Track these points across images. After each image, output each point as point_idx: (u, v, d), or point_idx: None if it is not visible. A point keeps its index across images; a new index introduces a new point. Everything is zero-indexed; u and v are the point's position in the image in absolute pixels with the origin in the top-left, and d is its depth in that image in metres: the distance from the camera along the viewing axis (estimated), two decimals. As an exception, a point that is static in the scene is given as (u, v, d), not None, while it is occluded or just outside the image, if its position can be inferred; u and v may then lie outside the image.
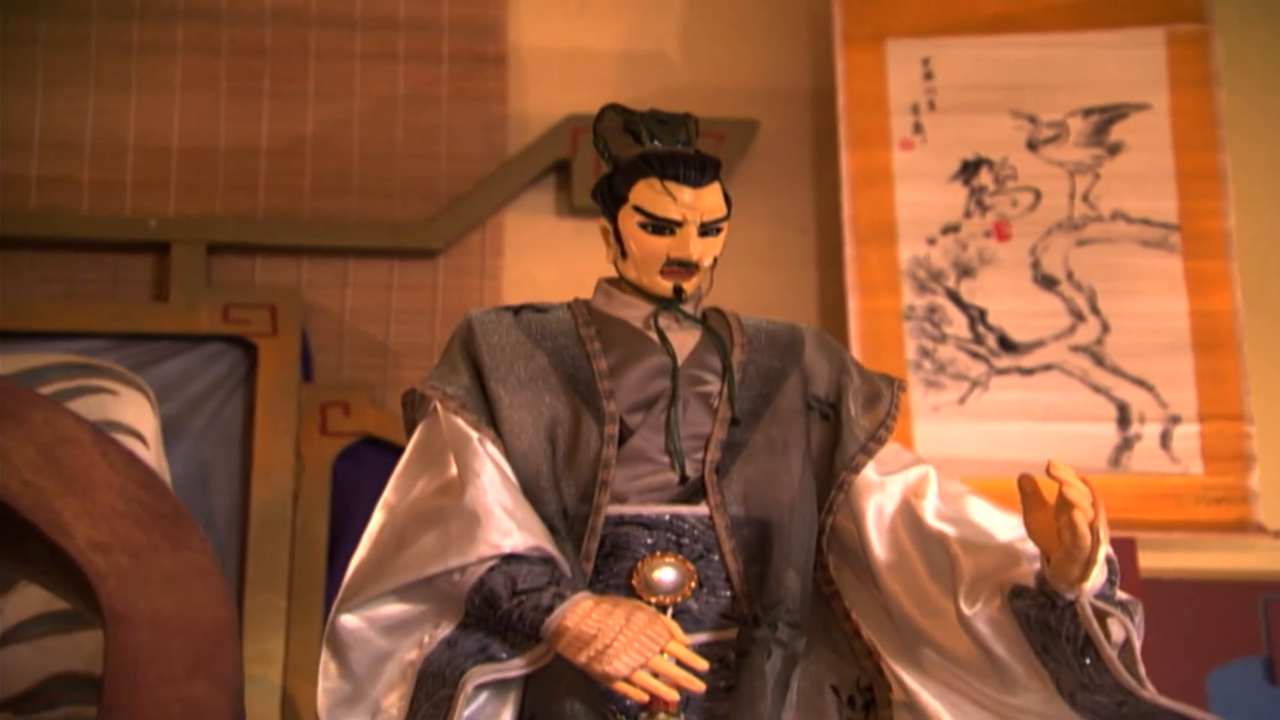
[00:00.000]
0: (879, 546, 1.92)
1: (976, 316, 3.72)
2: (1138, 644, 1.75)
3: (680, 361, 1.98)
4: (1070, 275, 3.75)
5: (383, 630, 1.86)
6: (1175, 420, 3.64)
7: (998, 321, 3.71)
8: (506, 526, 1.81)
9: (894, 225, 3.76)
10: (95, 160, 3.82)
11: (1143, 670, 1.74)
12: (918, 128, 3.83)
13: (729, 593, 1.90)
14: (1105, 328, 3.71)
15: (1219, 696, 3.57)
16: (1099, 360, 3.69)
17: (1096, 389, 3.67)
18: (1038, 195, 3.79)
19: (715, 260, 2.03)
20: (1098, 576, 1.72)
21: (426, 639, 1.84)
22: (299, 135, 3.90)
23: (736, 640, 1.87)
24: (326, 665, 1.87)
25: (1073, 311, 3.73)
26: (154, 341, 3.64)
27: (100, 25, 3.89)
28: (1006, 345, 3.70)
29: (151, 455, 2.93)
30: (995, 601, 1.79)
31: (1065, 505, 1.70)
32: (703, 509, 1.92)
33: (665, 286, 1.99)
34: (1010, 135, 3.83)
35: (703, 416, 1.96)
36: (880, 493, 1.95)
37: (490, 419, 1.93)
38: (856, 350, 3.66)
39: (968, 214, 3.78)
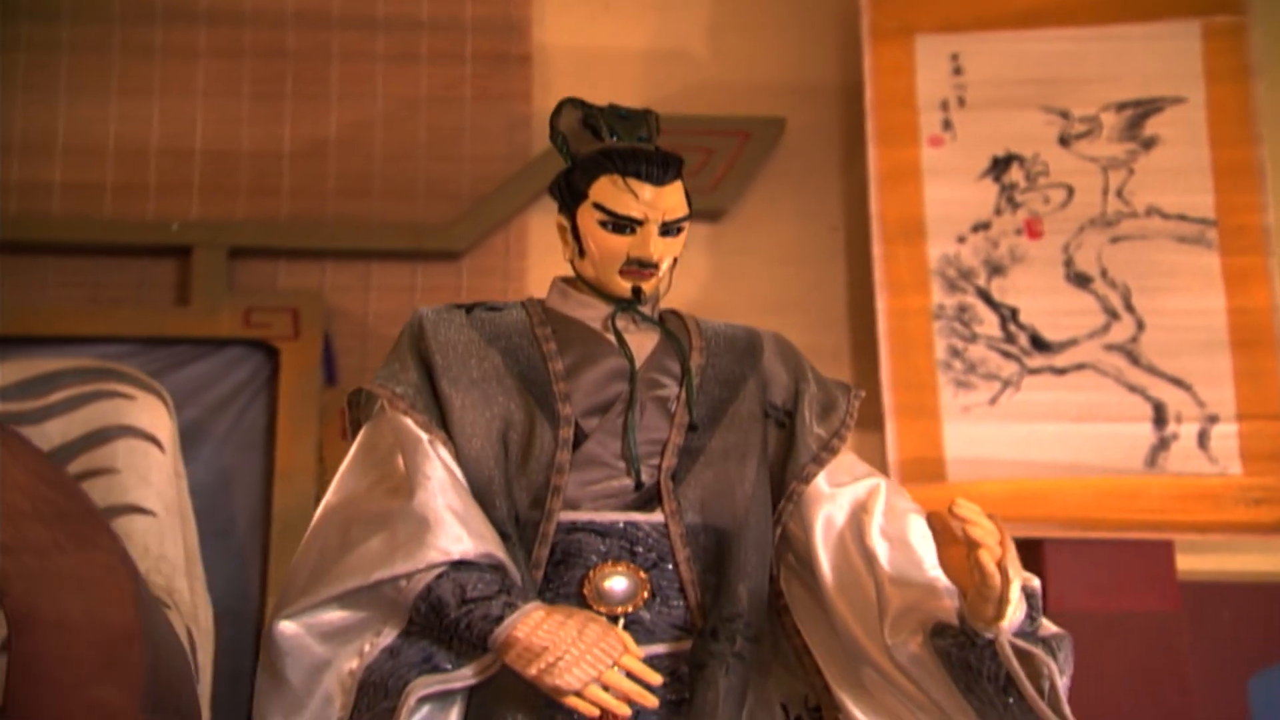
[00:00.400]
0: (826, 560, 1.87)
1: (1008, 315, 3.66)
2: (1061, 682, 1.70)
3: (638, 364, 1.93)
4: (1104, 273, 3.68)
5: (321, 637, 1.79)
6: (1213, 419, 3.57)
7: (1029, 320, 3.65)
8: (457, 532, 1.76)
9: (923, 223, 3.70)
10: (118, 165, 3.82)
11: (1067, 709, 1.69)
12: (947, 124, 3.78)
13: (682, 603, 1.85)
14: (1140, 326, 3.64)
15: (1260, 703, 3.50)
16: (1134, 359, 3.62)
17: (1132, 388, 3.60)
18: (1070, 191, 3.73)
19: (675, 261, 1.99)
20: (1015, 613, 1.68)
21: (368, 647, 1.78)
22: (321, 138, 3.88)
23: (691, 653, 1.83)
24: (261, 674, 1.81)
25: (1107, 309, 3.66)
26: (176, 346, 3.63)
27: (123, 30, 3.89)
28: (1039, 344, 3.64)
29: (168, 460, 2.91)
30: (918, 638, 1.74)
31: (971, 544, 1.65)
32: (657, 516, 1.87)
33: (624, 287, 1.95)
34: (1042, 131, 3.76)
35: (660, 421, 1.92)
36: (830, 504, 1.90)
37: (441, 420, 1.88)
38: (884, 350, 3.61)
39: (998, 211, 3.72)
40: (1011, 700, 1.67)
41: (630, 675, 1.73)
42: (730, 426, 1.94)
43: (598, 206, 1.93)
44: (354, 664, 1.78)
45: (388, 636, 1.78)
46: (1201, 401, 3.58)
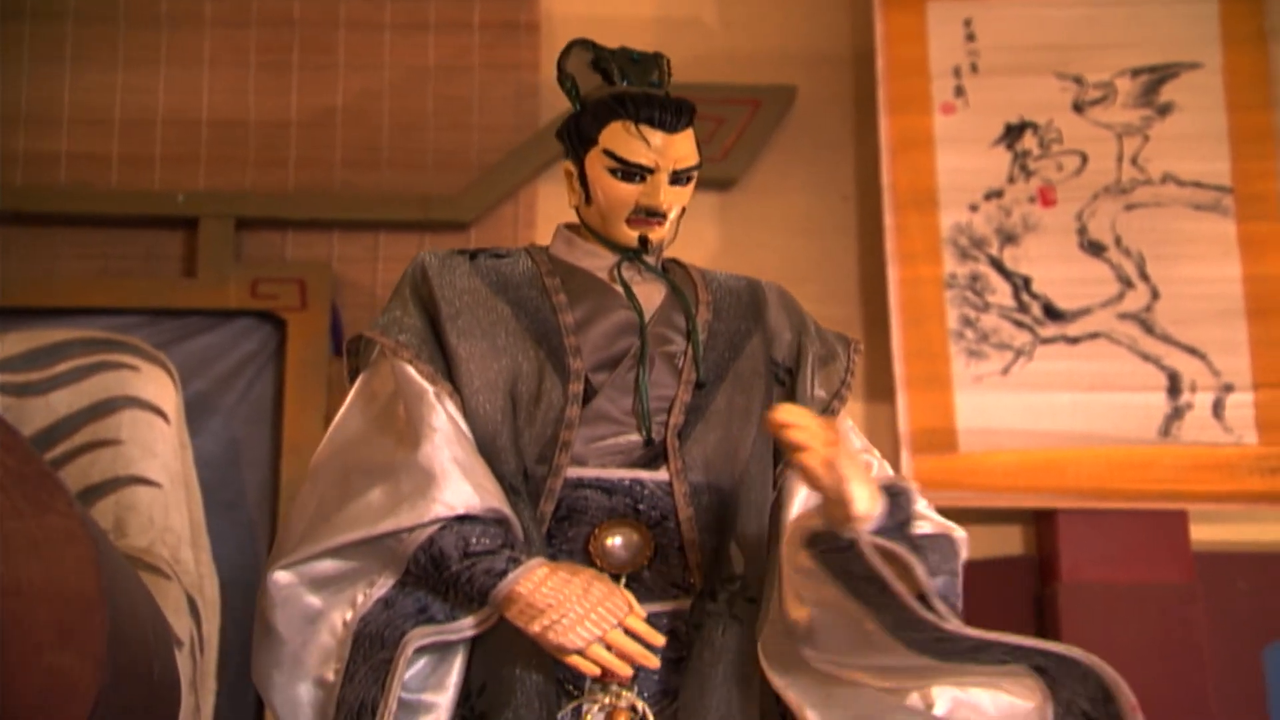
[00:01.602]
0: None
1: (1020, 284, 3.62)
2: (935, 582, 1.66)
3: (647, 317, 1.89)
4: (1118, 241, 3.64)
5: (314, 586, 1.76)
6: (1228, 389, 3.53)
7: (1042, 289, 3.62)
8: (461, 486, 1.72)
9: (935, 191, 3.67)
10: (124, 135, 3.80)
11: (940, 604, 1.65)
12: (959, 91, 3.74)
13: (681, 563, 1.83)
14: (1155, 294, 3.61)
15: (1275, 673, 3.49)
16: (1148, 328, 3.59)
17: (1146, 357, 3.57)
18: (1084, 159, 3.69)
19: (683, 210, 1.94)
20: (872, 510, 1.64)
21: (361, 598, 1.75)
22: (329, 107, 3.86)
23: (690, 613, 1.81)
24: (256, 626, 1.79)
25: (1121, 278, 3.62)
26: (183, 317, 3.62)
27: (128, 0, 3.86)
28: (1052, 313, 3.60)
29: (173, 431, 2.90)
30: (803, 551, 1.70)
31: (793, 448, 1.63)
32: (663, 474, 1.84)
33: (631, 236, 1.90)
34: (1055, 97, 3.72)
35: (668, 378, 1.88)
36: None
37: (446, 370, 1.84)
38: (896, 320, 3.58)
39: (1011, 179, 3.68)
40: (889, 599, 1.63)
41: (633, 635, 1.71)
42: (735, 385, 1.91)
43: (608, 153, 1.88)
44: (348, 614, 1.75)
45: (382, 587, 1.75)
46: (1216, 370, 3.55)
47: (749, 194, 3.89)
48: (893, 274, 3.62)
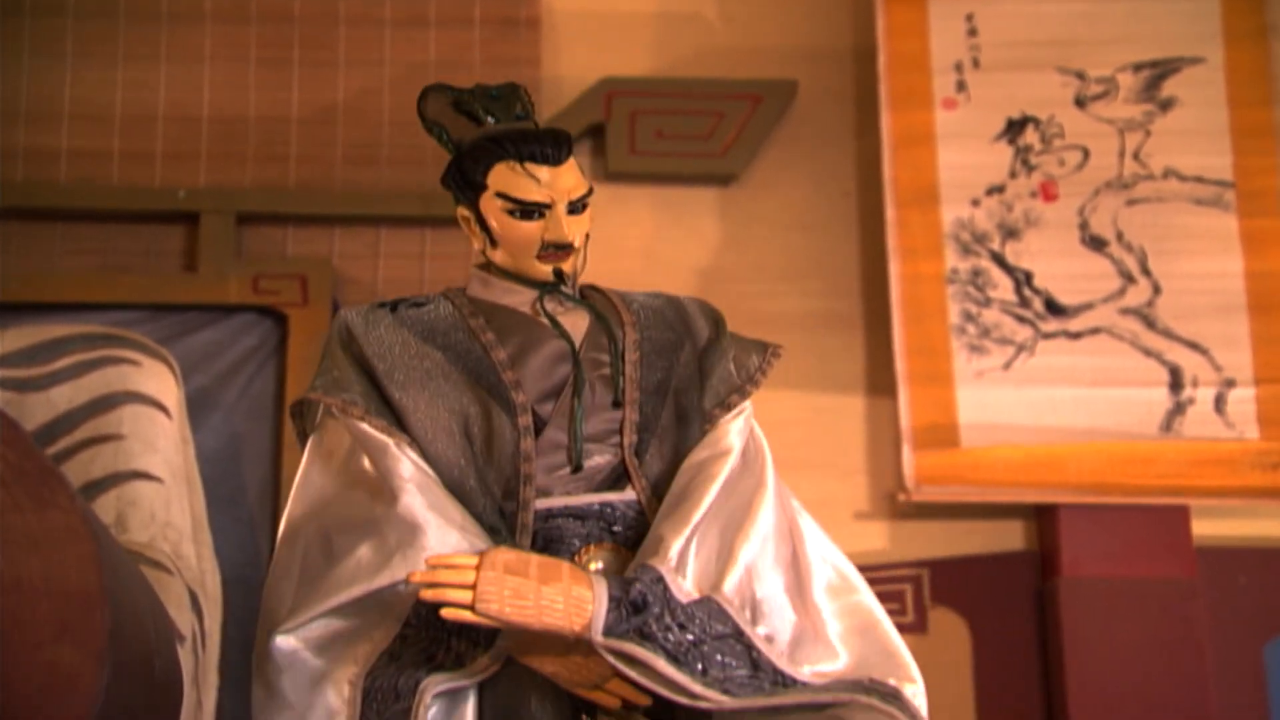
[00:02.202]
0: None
1: (1022, 279, 3.62)
2: (658, 660, 1.67)
3: (578, 345, 1.90)
4: (1120, 236, 3.64)
5: (317, 649, 1.79)
6: (1230, 384, 3.53)
7: (1044, 284, 3.61)
8: (445, 532, 1.76)
9: (936, 187, 3.67)
10: (125, 131, 3.79)
11: (686, 677, 1.67)
12: (961, 86, 3.73)
13: None
14: (1156, 289, 3.60)
15: (1276, 667, 3.50)
16: (1150, 323, 3.58)
17: (1148, 352, 3.57)
18: (1086, 154, 3.69)
19: (587, 237, 1.95)
20: (595, 616, 1.67)
21: (364, 654, 1.78)
22: (329, 104, 3.85)
23: None
24: (257, 690, 1.81)
25: (1123, 273, 3.62)
26: (185, 313, 3.62)
27: (129, -5, 3.86)
28: (1053, 308, 3.60)
29: (175, 426, 2.90)
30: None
31: (444, 606, 1.67)
32: (630, 494, 1.86)
33: (544, 271, 1.90)
34: (1057, 92, 3.72)
35: (610, 399, 1.89)
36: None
37: (398, 423, 1.85)
38: (897, 316, 3.58)
39: (1013, 174, 3.68)
40: (667, 690, 1.67)
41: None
42: (676, 394, 1.93)
43: (501, 195, 1.88)
44: (352, 671, 1.78)
45: (384, 641, 1.78)
46: (1218, 365, 3.54)
47: (750, 189, 3.89)
48: (894, 269, 3.62)
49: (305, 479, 1.90)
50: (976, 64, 3.74)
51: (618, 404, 1.89)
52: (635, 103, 3.85)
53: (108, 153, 3.77)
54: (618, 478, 1.88)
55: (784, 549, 1.85)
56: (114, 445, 2.77)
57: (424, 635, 1.78)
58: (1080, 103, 3.72)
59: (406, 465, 1.81)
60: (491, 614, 1.66)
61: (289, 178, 3.80)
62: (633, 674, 1.68)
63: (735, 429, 1.93)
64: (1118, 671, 3.39)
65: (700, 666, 1.69)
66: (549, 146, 1.88)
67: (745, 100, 3.87)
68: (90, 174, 3.75)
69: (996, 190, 3.67)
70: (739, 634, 1.73)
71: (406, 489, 1.78)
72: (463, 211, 1.95)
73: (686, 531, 1.76)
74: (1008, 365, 3.57)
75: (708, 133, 3.83)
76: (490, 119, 1.92)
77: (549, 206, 1.88)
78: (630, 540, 1.84)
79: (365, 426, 1.84)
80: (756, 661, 1.72)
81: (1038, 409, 3.53)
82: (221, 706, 2.95)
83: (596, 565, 1.82)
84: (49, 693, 1.60)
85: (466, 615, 1.66)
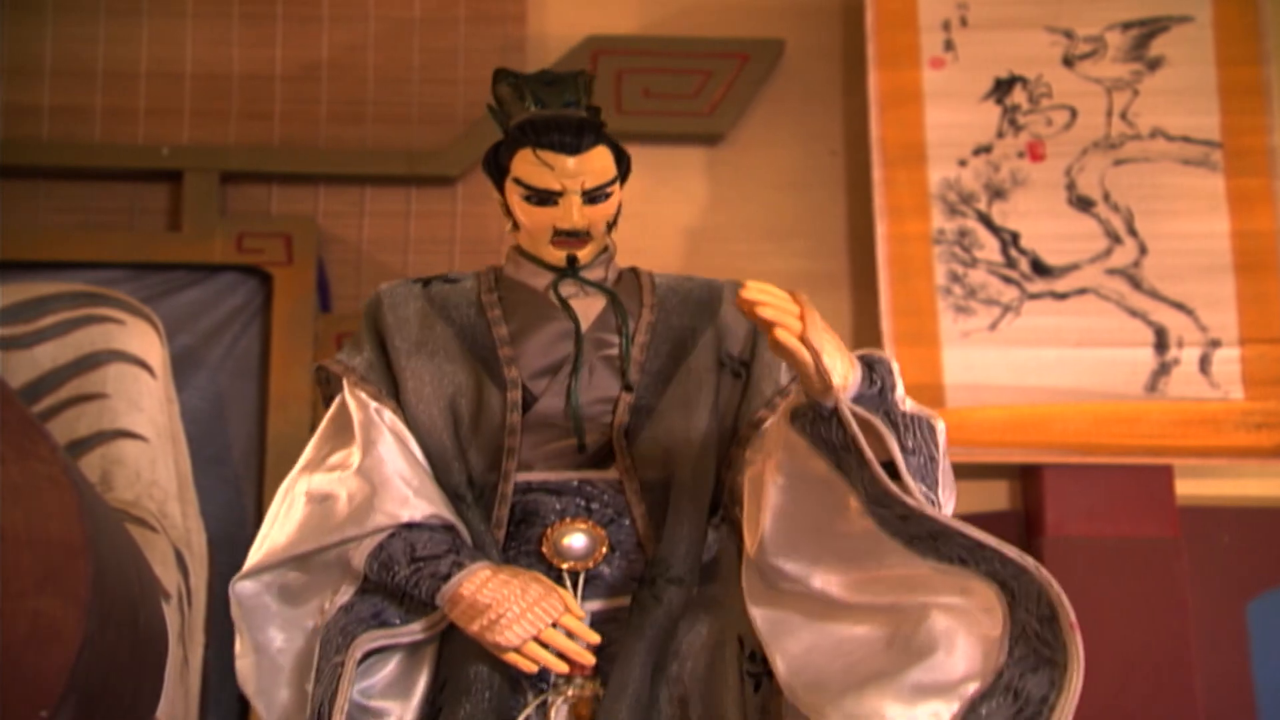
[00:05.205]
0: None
1: (1009, 240, 3.62)
2: (898, 452, 1.68)
3: (586, 326, 1.96)
4: (1107, 196, 3.64)
5: (280, 597, 1.87)
6: (1215, 344, 3.54)
7: (1031, 245, 3.61)
8: (403, 495, 1.83)
9: (923, 146, 3.66)
10: (107, 88, 3.76)
11: (909, 478, 1.67)
12: (949, 45, 3.72)
13: (641, 557, 1.89)
14: (1143, 250, 3.60)
15: (1259, 626, 3.51)
16: (1136, 283, 3.59)
17: (1133, 313, 3.57)
18: (1073, 113, 3.68)
19: (613, 222, 2.00)
20: (849, 379, 1.67)
21: (326, 605, 1.85)
22: (314, 60, 3.82)
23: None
24: (236, 636, 1.89)
25: (1109, 233, 3.62)
26: (169, 272, 3.60)
27: (110, -52, 3.82)
28: (1040, 269, 3.60)
29: (159, 385, 2.89)
30: (788, 427, 1.74)
31: (765, 326, 1.65)
32: (612, 473, 1.92)
33: (558, 256, 1.97)
34: (1045, 51, 3.70)
35: (610, 380, 1.94)
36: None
37: (393, 391, 1.94)
38: (884, 276, 3.58)
39: (1000, 134, 3.67)
40: (866, 469, 1.66)
41: (570, 634, 1.78)
42: (683, 380, 1.96)
43: (517, 181, 1.95)
44: (315, 621, 1.86)
45: (345, 594, 1.85)
46: (1204, 326, 3.55)
47: (737, 149, 3.87)
48: (881, 229, 3.61)
49: (314, 441, 1.99)
50: (964, 22, 3.72)
51: (628, 387, 1.93)
52: (621, 61, 3.83)
53: (90, 110, 3.74)
54: (604, 457, 1.93)
55: None
56: (98, 404, 2.76)
57: (379, 591, 1.83)
58: (1068, 62, 3.70)
59: (381, 429, 1.89)
60: (813, 344, 1.64)
61: (273, 135, 3.77)
62: (862, 444, 1.64)
63: None
64: (1101, 630, 3.40)
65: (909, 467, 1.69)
66: (568, 135, 1.92)
67: (732, 59, 3.85)
68: (72, 131, 3.73)
69: (984, 150, 3.66)
70: (934, 462, 1.74)
71: (373, 452, 1.86)
72: (497, 195, 2.02)
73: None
74: (994, 326, 3.57)
75: (694, 91, 3.81)
76: (536, 105, 1.98)
77: (560, 194, 1.93)
78: (606, 519, 1.89)
79: (358, 391, 1.94)
80: (932, 499, 1.71)
81: (1023, 369, 3.53)
82: (208, 664, 2.96)
83: (569, 541, 1.86)
84: (32, 642, 1.62)
85: (794, 342, 1.64)
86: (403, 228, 3.76)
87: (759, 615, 1.78)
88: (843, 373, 1.66)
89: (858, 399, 1.69)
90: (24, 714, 1.62)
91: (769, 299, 1.65)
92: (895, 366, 1.76)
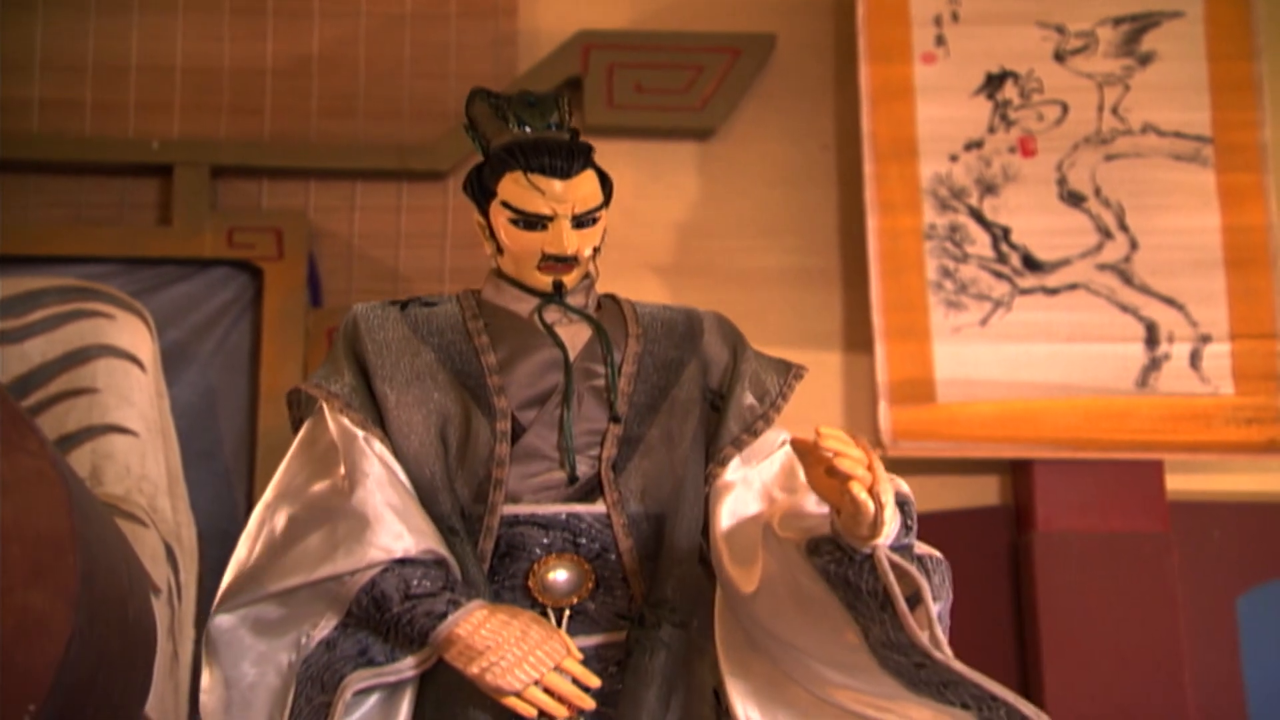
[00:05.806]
0: (723, 540, 1.83)
1: (1000, 235, 3.62)
2: (932, 603, 1.65)
3: (573, 355, 1.91)
4: (1098, 191, 3.64)
5: (256, 630, 1.80)
6: (1205, 339, 3.55)
7: (1022, 240, 3.61)
8: (397, 529, 1.76)
9: (915, 141, 3.66)
10: (98, 82, 3.76)
11: (940, 632, 1.66)
12: (940, 40, 3.72)
13: (626, 593, 1.84)
14: (1134, 245, 3.61)
15: (1249, 621, 3.52)
16: (1127, 278, 3.59)
17: (1124, 308, 3.57)
18: (1065, 108, 3.68)
19: (597, 249, 1.95)
20: (891, 527, 1.64)
21: (304, 640, 1.78)
22: (305, 55, 3.82)
23: (625, 641, 1.82)
24: (204, 671, 1.82)
25: (1100, 228, 3.62)
26: (159, 266, 3.60)
27: (100, -58, 3.82)
28: (1031, 264, 3.60)
29: (149, 380, 2.89)
30: (797, 554, 1.71)
31: (842, 477, 1.61)
32: (599, 507, 1.86)
33: (544, 281, 1.92)
34: (1037, 46, 3.71)
35: (598, 411, 1.89)
36: (740, 488, 1.87)
37: (378, 419, 1.87)
38: (875, 271, 3.58)
39: (991, 129, 3.67)
40: (888, 616, 1.63)
41: (573, 677, 1.74)
42: (670, 413, 1.92)
43: (505, 204, 1.90)
44: (292, 656, 1.78)
45: (324, 629, 1.78)
46: (1194, 321, 3.55)
47: (728, 143, 3.87)
48: (872, 224, 3.61)
49: (286, 464, 1.90)
50: (956, 17, 3.72)
51: (616, 419, 1.89)
52: (613, 55, 3.82)
53: (80, 103, 3.74)
54: (590, 490, 1.88)
55: None
56: (88, 399, 2.76)
57: (364, 627, 1.77)
58: (1059, 57, 3.71)
59: (371, 459, 1.82)
60: (881, 499, 1.60)
61: (264, 130, 3.77)
62: (895, 596, 1.62)
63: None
64: (1092, 625, 3.41)
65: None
66: (559, 159, 1.88)
67: (723, 53, 3.85)
68: (62, 125, 3.72)
69: (975, 145, 3.66)
70: (949, 603, 1.73)
71: (364, 484, 1.79)
72: (477, 218, 1.97)
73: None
74: (985, 321, 3.57)
75: (686, 86, 3.81)
76: (521, 127, 1.92)
77: (551, 218, 1.88)
78: (593, 553, 1.84)
79: (342, 418, 1.86)
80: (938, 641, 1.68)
81: (1014, 364, 3.53)
82: (197, 658, 2.95)
83: (554, 576, 1.82)
84: (21, 636, 1.61)
85: (865, 497, 1.60)
86: (394, 222, 3.76)
87: (735, 685, 1.77)
88: (890, 522, 1.64)
89: (893, 546, 1.66)
90: (12, 709, 1.61)
91: (846, 449, 1.60)
92: (913, 500, 1.73)
